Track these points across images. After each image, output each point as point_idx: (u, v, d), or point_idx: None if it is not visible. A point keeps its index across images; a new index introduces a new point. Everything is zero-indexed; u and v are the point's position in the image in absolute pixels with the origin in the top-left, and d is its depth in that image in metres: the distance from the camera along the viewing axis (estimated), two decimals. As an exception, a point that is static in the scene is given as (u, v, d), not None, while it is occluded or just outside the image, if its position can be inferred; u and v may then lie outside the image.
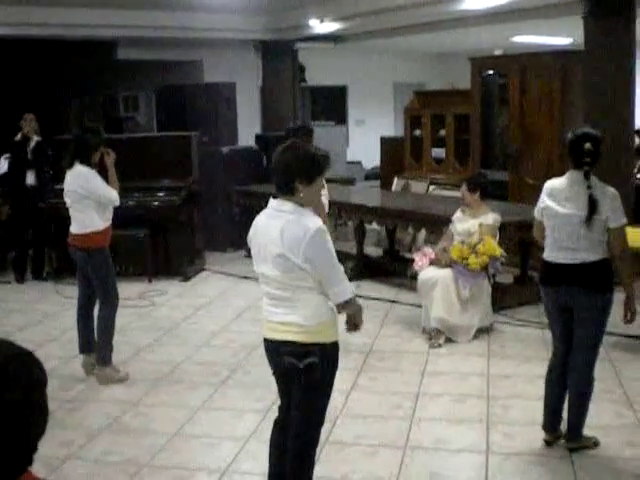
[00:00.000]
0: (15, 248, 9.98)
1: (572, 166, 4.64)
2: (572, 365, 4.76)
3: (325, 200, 6.93)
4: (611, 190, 4.58)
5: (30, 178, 9.69)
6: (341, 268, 3.64)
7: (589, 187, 4.52)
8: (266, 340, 3.82)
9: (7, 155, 9.77)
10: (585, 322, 4.64)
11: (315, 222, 3.57)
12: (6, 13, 11.11)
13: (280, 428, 3.96)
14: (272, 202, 3.70)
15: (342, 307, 3.68)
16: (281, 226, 3.56)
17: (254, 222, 3.79)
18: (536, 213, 4.87)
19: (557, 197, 4.65)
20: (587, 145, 4.55)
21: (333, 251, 3.60)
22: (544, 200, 4.74)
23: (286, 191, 3.62)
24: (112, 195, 6.18)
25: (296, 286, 3.60)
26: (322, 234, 3.54)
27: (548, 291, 4.79)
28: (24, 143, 9.72)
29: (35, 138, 9.74)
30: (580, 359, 4.72)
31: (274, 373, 3.91)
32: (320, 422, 3.84)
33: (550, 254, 4.73)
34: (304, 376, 3.66)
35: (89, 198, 6.09)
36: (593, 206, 4.49)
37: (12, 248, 10.07)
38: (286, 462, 3.86)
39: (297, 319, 3.62)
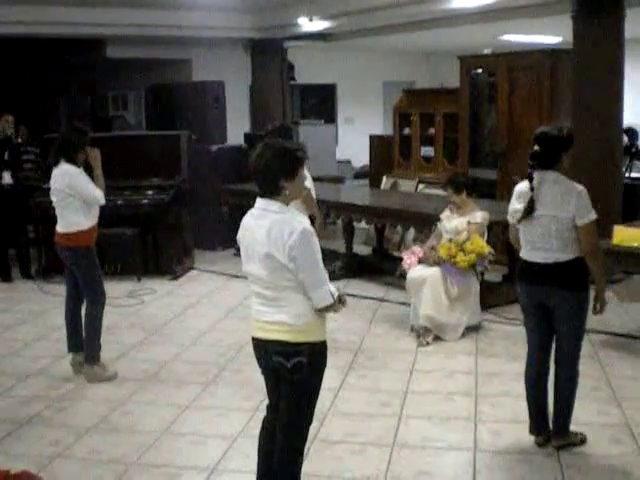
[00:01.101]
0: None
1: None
2: (557, 362, 4.80)
3: (312, 193, 6.96)
4: (578, 187, 4.58)
5: (7, 178, 9.66)
6: (324, 272, 3.61)
7: (532, 189, 4.59)
8: (255, 339, 3.82)
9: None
10: (563, 321, 4.67)
11: (302, 222, 3.58)
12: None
13: (268, 427, 3.96)
14: (259, 202, 3.70)
15: (324, 310, 3.66)
16: (268, 226, 3.58)
17: (242, 222, 3.80)
18: (509, 217, 4.89)
19: (525, 200, 4.67)
20: (535, 147, 4.62)
21: (319, 254, 3.60)
22: (514, 203, 4.77)
23: (272, 192, 3.63)
24: (97, 194, 6.17)
25: (283, 286, 3.61)
26: (308, 235, 3.54)
27: (524, 288, 4.81)
28: (4, 144, 9.72)
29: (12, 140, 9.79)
30: (563, 356, 4.75)
31: (263, 372, 3.92)
32: (308, 421, 3.84)
33: (525, 252, 4.77)
34: (292, 375, 3.68)
35: (74, 197, 6.09)
36: (531, 207, 4.59)
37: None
38: (274, 460, 3.87)
39: (285, 318, 3.63)
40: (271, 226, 3.56)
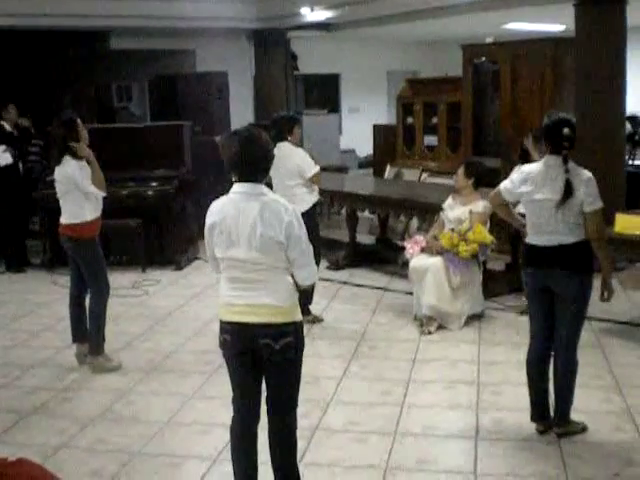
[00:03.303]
0: (8, 238, 10.02)
1: (549, 151, 4.69)
2: (555, 349, 4.81)
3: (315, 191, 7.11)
4: (586, 174, 4.62)
5: (6, 158, 9.77)
6: (312, 251, 3.80)
7: (567, 171, 4.58)
8: (232, 323, 3.77)
9: (3, 147, 9.74)
10: (566, 304, 4.69)
11: (288, 203, 3.80)
12: (-3, 4, 11.12)
13: (249, 431, 3.91)
14: (241, 187, 3.75)
15: (306, 289, 3.86)
16: (259, 207, 3.68)
17: (216, 208, 3.81)
18: (506, 194, 4.89)
19: (534, 183, 4.69)
20: (566, 130, 4.61)
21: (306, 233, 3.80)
22: (518, 187, 4.77)
23: (259, 178, 3.77)
24: (90, 190, 6.10)
25: (272, 267, 3.70)
26: (298, 215, 3.75)
27: (529, 272, 4.84)
28: (16, 134, 9.83)
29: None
30: (563, 342, 4.77)
31: (236, 358, 3.83)
32: (297, 401, 3.91)
33: (531, 237, 4.79)
34: (280, 356, 3.71)
35: (77, 190, 6.10)
36: (569, 190, 4.55)
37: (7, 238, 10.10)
38: (278, 448, 3.90)
39: (271, 300, 3.70)
40: (263, 207, 3.67)
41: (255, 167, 3.75)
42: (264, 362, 3.77)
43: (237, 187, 3.77)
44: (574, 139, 4.64)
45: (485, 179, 7.51)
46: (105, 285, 6.33)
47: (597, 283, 4.74)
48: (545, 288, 4.74)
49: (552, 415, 4.92)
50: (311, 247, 3.78)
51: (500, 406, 5.39)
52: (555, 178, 4.60)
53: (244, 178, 3.75)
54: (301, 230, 3.71)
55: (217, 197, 3.88)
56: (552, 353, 4.87)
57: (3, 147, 9.67)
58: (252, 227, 3.66)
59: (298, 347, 3.78)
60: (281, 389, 3.83)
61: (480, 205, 7.23)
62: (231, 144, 3.75)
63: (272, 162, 3.83)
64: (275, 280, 3.72)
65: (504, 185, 4.92)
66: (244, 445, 3.92)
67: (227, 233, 3.73)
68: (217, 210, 3.80)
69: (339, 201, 9.64)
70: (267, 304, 3.70)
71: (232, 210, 3.73)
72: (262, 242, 3.65)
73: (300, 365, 3.86)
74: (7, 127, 9.85)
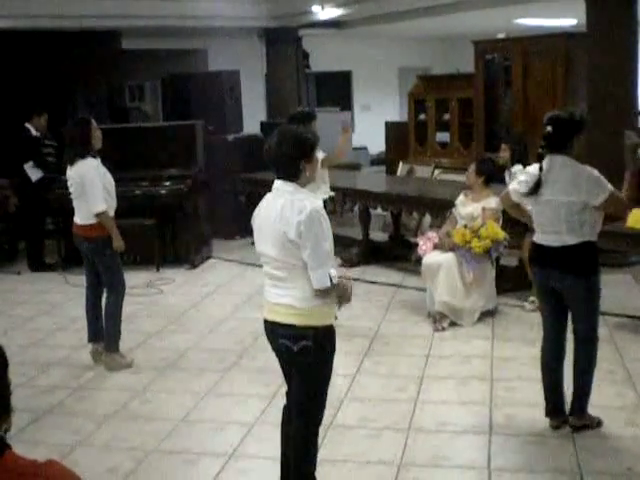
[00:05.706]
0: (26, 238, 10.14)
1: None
2: (574, 343, 4.81)
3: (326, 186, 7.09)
4: (585, 171, 4.59)
5: (36, 173, 9.84)
6: (328, 256, 3.65)
7: (540, 169, 4.61)
8: (265, 321, 3.87)
9: (31, 163, 9.82)
10: (575, 304, 4.70)
11: (313, 202, 3.68)
12: (10, 5, 11.17)
13: (285, 413, 4.02)
14: (276, 183, 3.80)
15: (322, 293, 3.66)
16: (282, 203, 3.68)
17: (259, 203, 3.91)
18: (514, 195, 4.91)
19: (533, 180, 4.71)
20: (547, 128, 4.63)
21: (326, 235, 3.64)
22: (525, 187, 4.77)
23: (292, 175, 3.74)
24: (98, 204, 6.12)
25: (291, 265, 3.66)
26: (317, 215, 3.61)
27: (536, 271, 4.86)
28: (39, 137, 9.91)
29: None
30: (580, 336, 4.78)
31: (276, 355, 3.96)
32: (319, 406, 3.87)
33: (537, 236, 4.81)
34: (299, 359, 3.73)
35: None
36: (537, 186, 4.61)
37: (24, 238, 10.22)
38: (290, 445, 3.92)
39: (291, 301, 3.70)
40: (284, 204, 3.67)
41: (283, 164, 3.74)
42: (289, 362, 3.81)
43: (274, 184, 3.82)
44: (559, 137, 4.61)
45: (495, 177, 7.52)
46: (121, 283, 6.38)
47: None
48: (553, 287, 4.74)
49: (567, 410, 4.92)
50: (325, 249, 3.61)
51: (513, 401, 5.41)
52: (556, 178, 4.61)
53: (277, 175, 3.79)
54: (313, 231, 3.57)
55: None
56: (566, 348, 4.87)
57: (31, 163, 9.75)
58: (273, 223, 3.69)
59: (319, 353, 3.72)
60: (298, 392, 3.84)
61: (492, 201, 7.23)
62: (270, 141, 3.79)
63: (306, 161, 3.74)
64: (294, 280, 3.68)
65: (512, 186, 4.96)
66: (283, 433, 3.99)
67: (258, 228, 3.82)
68: (258, 205, 3.88)
69: (352, 198, 9.65)
70: (286, 304, 3.71)
71: (264, 205, 3.82)
72: (279, 239, 3.65)
73: (321, 372, 3.80)
74: (33, 131, 9.91)
